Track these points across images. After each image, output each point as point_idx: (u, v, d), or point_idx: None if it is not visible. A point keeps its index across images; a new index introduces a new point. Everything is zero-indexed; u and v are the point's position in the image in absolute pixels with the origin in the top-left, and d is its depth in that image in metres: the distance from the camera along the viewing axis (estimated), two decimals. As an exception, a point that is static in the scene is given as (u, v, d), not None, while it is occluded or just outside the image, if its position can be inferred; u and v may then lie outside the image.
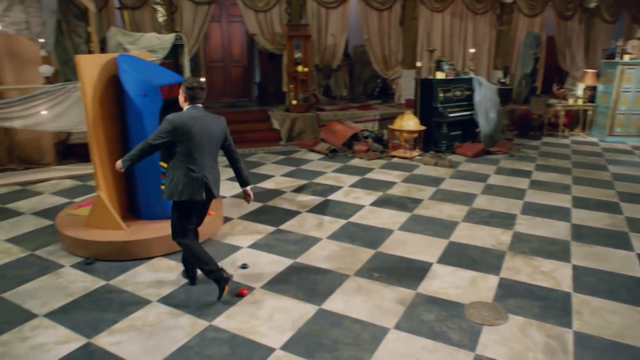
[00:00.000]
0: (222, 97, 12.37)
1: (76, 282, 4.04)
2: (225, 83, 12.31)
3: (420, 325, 3.42)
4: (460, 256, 4.48)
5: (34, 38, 6.54)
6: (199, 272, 3.96)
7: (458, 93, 8.34)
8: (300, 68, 9.55)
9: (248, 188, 3.91)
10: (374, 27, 10.77)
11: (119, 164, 3.64)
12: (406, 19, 10.92)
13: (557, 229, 5.12)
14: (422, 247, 4.66)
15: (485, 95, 8.37)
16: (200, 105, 3.64)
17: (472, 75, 8.75)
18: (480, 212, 5.60)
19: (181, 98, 3.65)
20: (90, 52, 7.55)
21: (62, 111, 6.80)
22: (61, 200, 6.18)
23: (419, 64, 8.17)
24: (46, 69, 6.98)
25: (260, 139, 9.43)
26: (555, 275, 4.14)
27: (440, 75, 8.17)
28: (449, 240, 4.84)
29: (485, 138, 8.37)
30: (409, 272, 4.18)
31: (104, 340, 3.25)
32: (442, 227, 5.15)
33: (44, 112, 6.71)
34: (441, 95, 8.13)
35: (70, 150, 8.40)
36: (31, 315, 3.55)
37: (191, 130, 3.48)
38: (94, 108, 4.51)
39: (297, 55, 9.65)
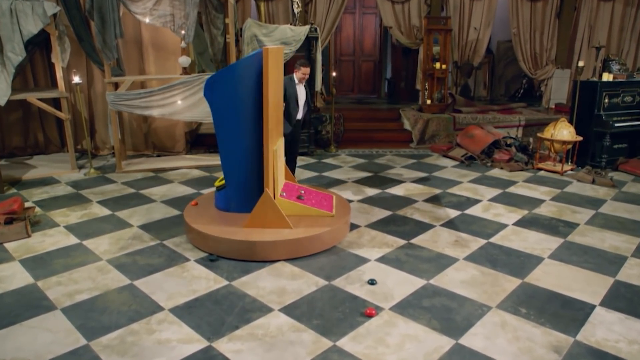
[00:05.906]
0: (350, 93, 12.11)
1: (200, 278, 3.97)
2: (355, 78, 12.04)
3: (585, 387, 2.78)
4: (632, 302, 3.66)
5: (177, 30, 6.75)
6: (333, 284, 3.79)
7: (628, 99, 7.11)
8: (437, 65, 8.91)
9: None
10: (525, 20, 9.70)
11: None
12: (565, 10, 9.66)
13: None
14: (580, 284, 3.91)
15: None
16: None
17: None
18: (657, 247, 4.62)
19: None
20: (226, 43, 7.67)
21: (195, 101, 6.95)
22: (189, 190, 6.32)
23: (581, 63, 7.09)
24: (184, 60, 7.21)
25: (389, 140, 8.97)
26: None
27: (606, 77, 7.01)
28: (615, 278, 4.00)
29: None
30: (564, 312, 3.50)
31: (225, 347, 3.11)
32: (605, 261, 4.31)
33: (179, 102, 6.93)
34: (606, 100, 6.98)
35: (199, 139, 8.68)
36: (158, 308, 3.54)
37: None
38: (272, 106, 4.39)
39: (435, 50, 9.01)
